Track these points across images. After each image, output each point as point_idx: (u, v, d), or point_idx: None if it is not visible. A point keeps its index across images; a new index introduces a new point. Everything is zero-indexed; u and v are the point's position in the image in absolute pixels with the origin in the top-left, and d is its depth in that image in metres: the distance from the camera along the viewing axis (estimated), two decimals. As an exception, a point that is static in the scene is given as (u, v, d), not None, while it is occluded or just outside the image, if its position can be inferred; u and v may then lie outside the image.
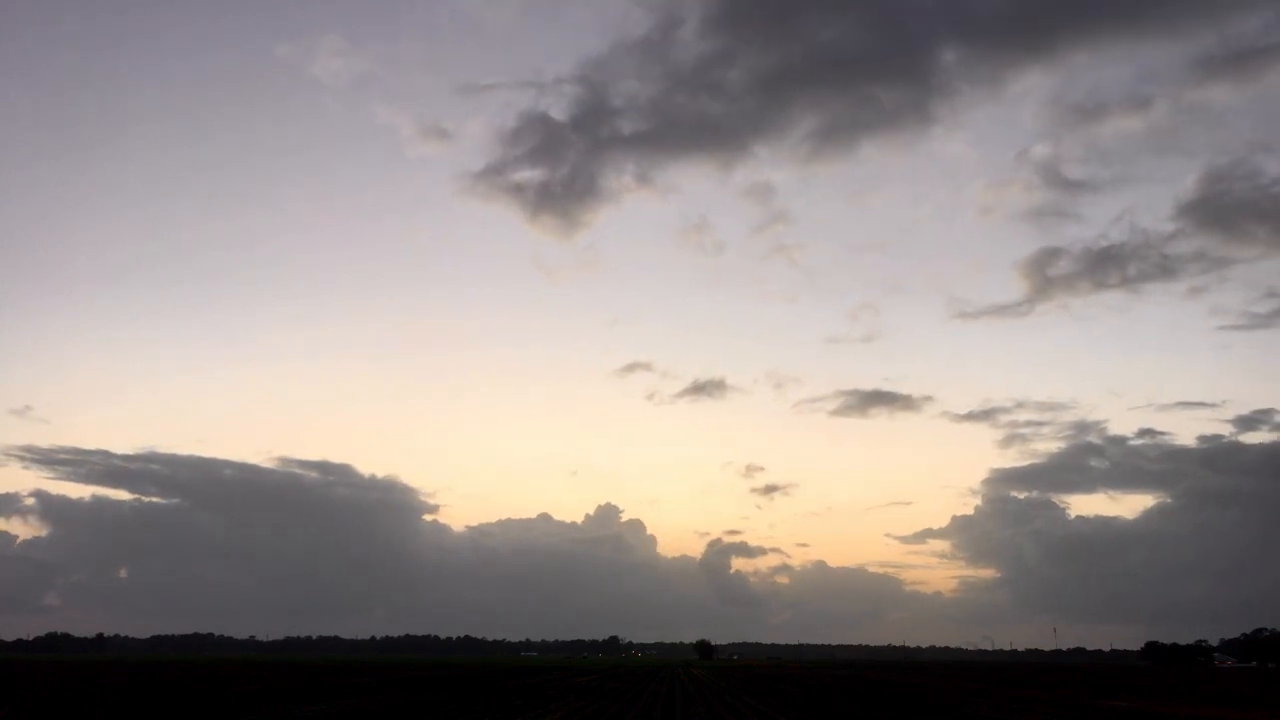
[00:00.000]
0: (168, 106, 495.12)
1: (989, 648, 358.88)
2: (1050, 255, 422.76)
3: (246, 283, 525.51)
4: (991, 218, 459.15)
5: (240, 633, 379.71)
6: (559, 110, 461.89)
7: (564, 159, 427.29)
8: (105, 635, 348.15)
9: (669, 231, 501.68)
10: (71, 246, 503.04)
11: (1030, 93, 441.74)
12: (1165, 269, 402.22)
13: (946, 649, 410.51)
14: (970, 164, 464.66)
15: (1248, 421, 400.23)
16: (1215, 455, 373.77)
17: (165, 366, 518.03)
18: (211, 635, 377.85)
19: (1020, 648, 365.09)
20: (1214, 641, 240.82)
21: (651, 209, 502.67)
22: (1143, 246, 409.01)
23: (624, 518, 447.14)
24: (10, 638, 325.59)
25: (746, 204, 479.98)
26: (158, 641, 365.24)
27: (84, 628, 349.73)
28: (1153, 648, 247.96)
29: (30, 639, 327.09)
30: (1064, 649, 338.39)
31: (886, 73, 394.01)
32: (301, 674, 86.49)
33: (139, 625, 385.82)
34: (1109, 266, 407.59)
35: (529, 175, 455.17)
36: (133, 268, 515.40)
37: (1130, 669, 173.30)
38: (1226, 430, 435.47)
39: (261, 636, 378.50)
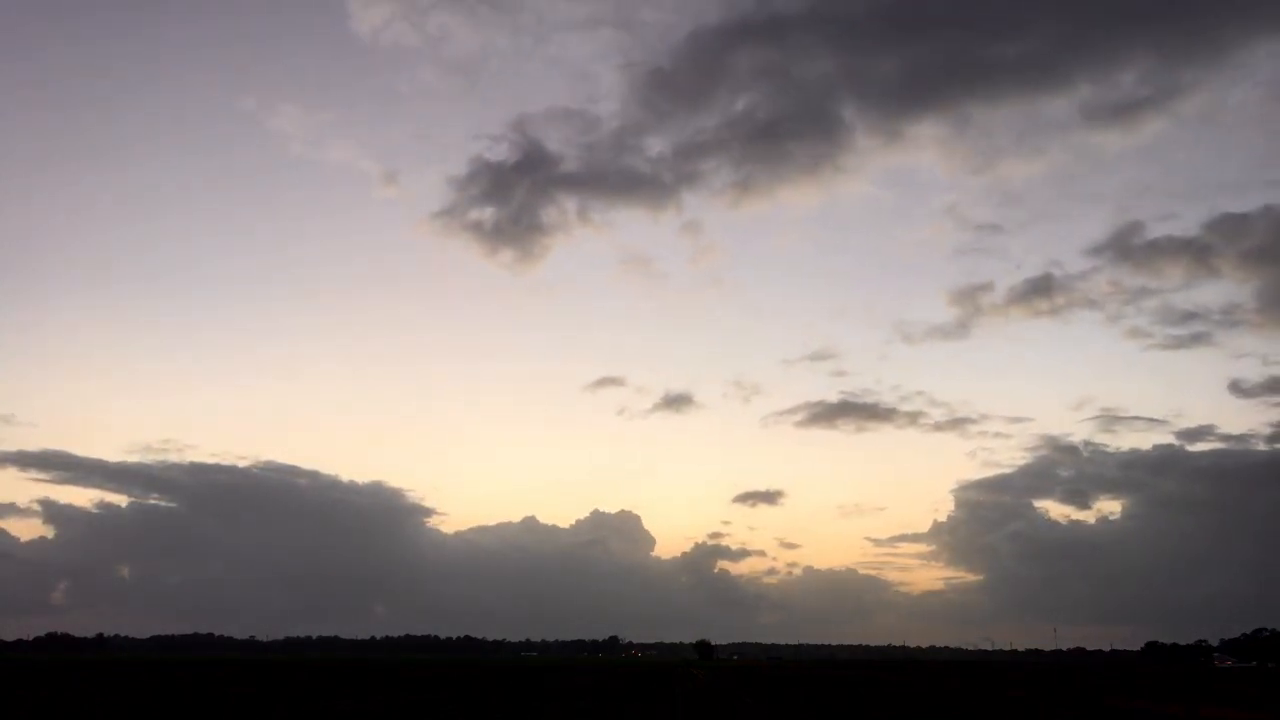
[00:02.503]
0: (161, 119, 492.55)
1: (989, 648, 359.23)
2: (977, 289, 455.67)
3: (241, 293, 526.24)
4: (913, 257, 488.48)
5: (240, 633, 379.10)
6: (502, 156, 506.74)
7: (511, 199, 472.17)
8: (105, 635, 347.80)
9: (615, 261, 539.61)
10: (62, 252, 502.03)
11: (931, 144, 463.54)
12: (1088, 300, 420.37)
13: (946, 649, 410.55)
14: (884, 209, 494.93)
15: (1194, 434, 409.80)
16: (1169, 463, 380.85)
17: (158, 371, 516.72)
18: (211, 635, 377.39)
19: (1020, 648, 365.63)
20: (1214, 641, 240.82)
21: (596, 242, 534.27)
22: (1064, 278, 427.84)
23: (618, 521, 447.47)
24: (10, 638, 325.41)
25: (681, 240, 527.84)
26: (158, 641, 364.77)
27: (84, 628, 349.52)
28: (1153, 648, 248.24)
29: (30, 639, 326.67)
30: (1064, 649, 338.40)
31: (796, 132, 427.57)
32: (301, 674, 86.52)
33: (139, 625, 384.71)
34: (1035, 297, 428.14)
35: (482, 214, 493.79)
36: (127, 276, 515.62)
37: (1130, 669, 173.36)
38: (1175, 442, 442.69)
39: (261, 636, 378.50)
